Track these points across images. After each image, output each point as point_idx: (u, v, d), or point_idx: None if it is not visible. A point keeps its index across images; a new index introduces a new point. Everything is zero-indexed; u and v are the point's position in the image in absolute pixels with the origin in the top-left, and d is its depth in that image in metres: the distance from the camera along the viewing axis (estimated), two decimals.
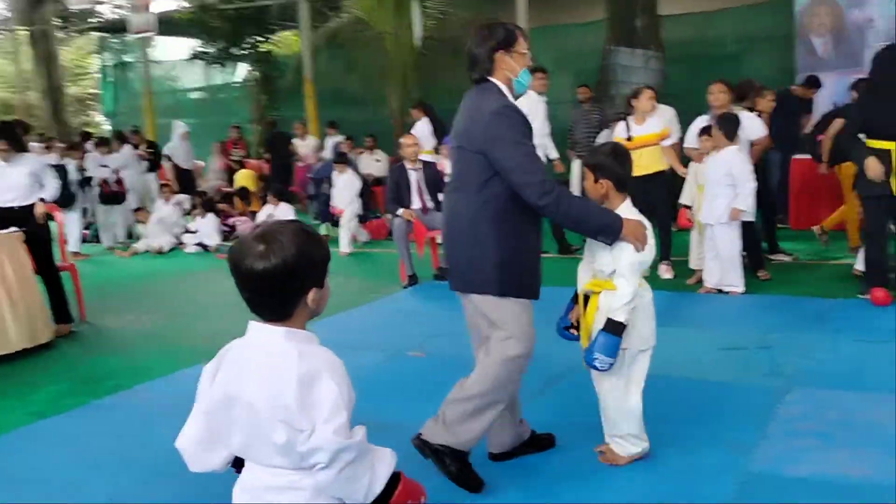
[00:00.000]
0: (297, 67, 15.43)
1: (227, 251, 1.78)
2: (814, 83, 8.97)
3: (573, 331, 3.17)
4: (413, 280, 6.94)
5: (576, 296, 3.17)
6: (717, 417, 3.54)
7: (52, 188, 6.03)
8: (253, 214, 10.84)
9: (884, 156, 5.27)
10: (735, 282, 5.91)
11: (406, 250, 6.96)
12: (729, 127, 5.81)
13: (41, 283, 5.73)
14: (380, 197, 12.18)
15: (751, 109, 6.73)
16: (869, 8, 9.98)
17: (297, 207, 11.20)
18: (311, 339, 1.73)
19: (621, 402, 3.05)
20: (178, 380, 4.64)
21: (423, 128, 9.18)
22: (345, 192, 9.25)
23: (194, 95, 18.98)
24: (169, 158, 12.66)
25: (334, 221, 9.73)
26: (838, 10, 10.20)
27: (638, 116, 6.52)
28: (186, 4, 17.08)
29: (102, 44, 19.85)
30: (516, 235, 2.95)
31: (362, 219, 9.82)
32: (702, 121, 6.48)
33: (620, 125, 6.69)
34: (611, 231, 2.88)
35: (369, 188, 11.64)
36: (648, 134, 6.44)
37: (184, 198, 10.89)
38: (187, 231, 10.15)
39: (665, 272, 6.65)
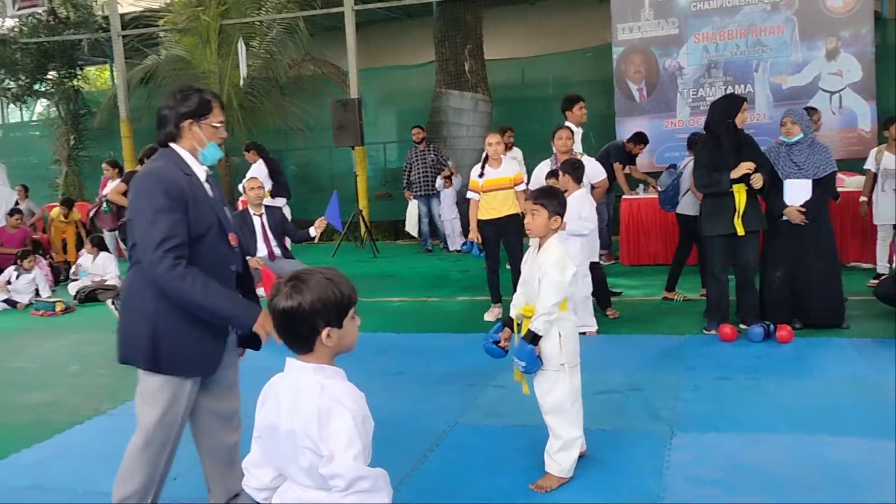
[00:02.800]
0: (108, 105, 14.46)
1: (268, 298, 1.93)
2: (641, 139, 9.52)
3: (501, 345, 3.54)
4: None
5: (507, 320, 3.58)
6: (612, 468, 3.52)
7: None
8: (67, 265, 9.99)
9: (728, 198, 5.60)
10: (589, 322, 6.02)
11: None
12: (575, 171, 5.95)
13: None
14: None
15: None
16: (680, 57, 10.75)
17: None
18: (337, 375, 1.90)
19: (573, 407, 3.40)
20: (13, 466, 4.05)
21: (260, 170, 8.79)
22: None
23: None
24: None
25: None
26: (652, 58, 10.91)
27: (494, 160, 6.53)
28: None
29: None
30: (176, 307, 2.83)
31: None
32: (546, 165, 6.63)
33: (476, 166, 6.68)
34: (239, 322, 2.83)
35: None
36: (501, 178, 6.47)
37: None
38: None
39: (493, 315, 6.73)
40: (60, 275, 10.21)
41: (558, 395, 3.36)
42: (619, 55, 11.18)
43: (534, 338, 3.29)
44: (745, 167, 5.44)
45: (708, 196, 5.75)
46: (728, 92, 10.39)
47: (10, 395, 5.41)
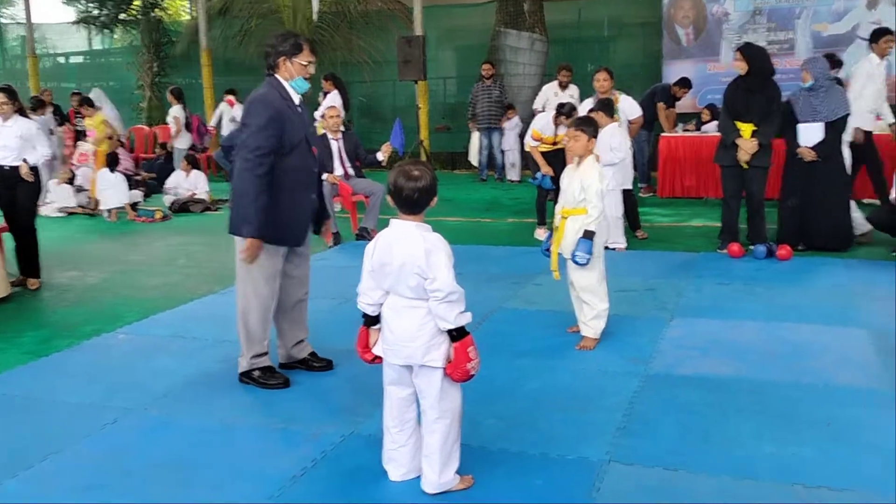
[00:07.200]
0: (189, 34, 15.55)
1: (392, 179, 2.80)
2: (686, 84, 10.26)
3: (549, 250, 4.54)
4: (338, 239, 7.67)
5: (552, 229, 4.59)
6: (621, 338, 4.54)
7: (38, 153, 6.29)
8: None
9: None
10: (619, 240, 6.99)
11: (331, 212, 7.64)
12: (606, 108, 6.84)
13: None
14: None
15: None
16: (726, 3, 11.36)
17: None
18: (429, 229, 2.84)
19: (599, 286, 4.41)
20: (154, 324, 5.25)
21: (335, 99, 9.79)
22: None
23: (76, 60, 18.64)
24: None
25: None
26: (700, 4, 11.54)
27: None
28: None
29: None
30: (284, 193, 3.87)
31: None
32: (588, 102, 7.51)
33: (546, 121, 7.54)
34: (235, 225, 3.82)
35: None
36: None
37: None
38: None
39: (542, 234, 7.68)
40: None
41: (592, 277, 4.40)
42: (669, 0, 11.82)
43: (590, 234, 4.26)
44: (746, 150, 6.33)
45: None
46: (770, 38, 11.05)
47: (137, 278, 6.64)
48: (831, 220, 6.61)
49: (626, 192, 7.17)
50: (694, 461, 3.08)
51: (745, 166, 6.41)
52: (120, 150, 11.37)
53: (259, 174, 3.78)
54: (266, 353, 4.11)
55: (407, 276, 2.79)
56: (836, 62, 8.04)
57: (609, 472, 3.01)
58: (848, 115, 6.52)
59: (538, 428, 3.45)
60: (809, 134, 6.53)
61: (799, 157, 6.55)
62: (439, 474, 2.88)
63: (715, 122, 9.96)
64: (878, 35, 7.83)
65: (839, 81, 9.86)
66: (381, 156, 8.00)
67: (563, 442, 3.29)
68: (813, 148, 6.48)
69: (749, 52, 6.48)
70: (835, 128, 6.49)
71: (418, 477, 2.95)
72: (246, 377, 4.08)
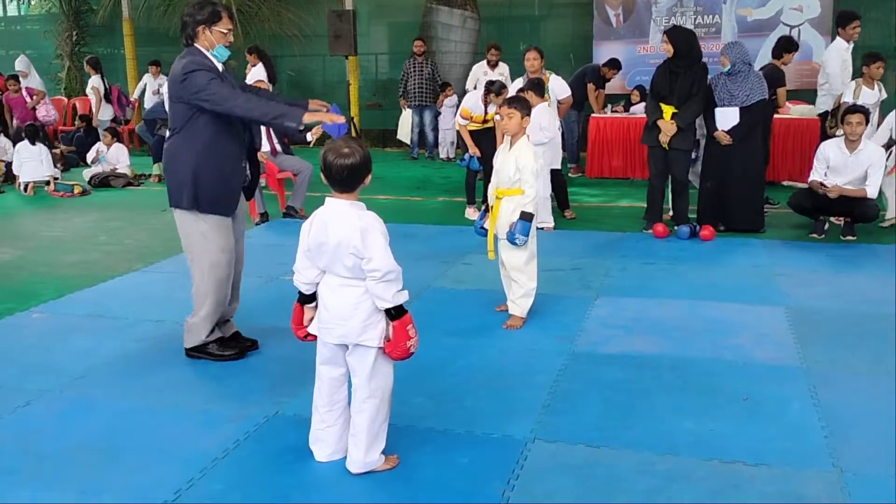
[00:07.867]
0: (110, 3, 14.97)
1: (322, 156, 2.75)
2: (615, 65, 10.36)
3: (483, 229, 4.61)
4: (265, 217, 7.53)
5: (487, 207, 4.61)
6: (548, 317, 4.58)
7: None
8: None
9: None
10: (547, 219, 7.04)
11: (259, 190, 7.50)
12: (537, 88, 6.86)
13: None
14: None
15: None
16: None
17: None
18: (363, 208, 2.80)
19: (528, 266, 4.43)
20: (71, 302, 5.08)
21: (260, 73, 9.56)
22: None
23: None
24: None
25: None
26: None
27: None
28: None
29: None
30: (214, 162, 3.80)
31: None
32: (519, 82, 7.51)
33: (476, 99, 7.46)
34: (291, 117, 3.67)
35: None
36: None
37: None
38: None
39: (472, 214, 7.67)
40: None
41: (523, 256, 4.42)
42: None
43: (527, 216, 4.28)
44: (665, 132, 6.45)
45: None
46: (697, 21, 11.26)
47: (53, 255, 6.39)
48: (746, 201, 6.77)
49: (554, 172, 7.22)
50: (617, 438, 3.13)
51: (666, 147, 6.52)
52: (46, 105, 10.93)
53: (238, 100, 3.68)
54: (218, 326, 4.05)
55: (343, 256, 2.74)
56: (792, 44, 8.20)
57: (533, 450, 3.04)
58: (764, 99, 6.68)
59: (465, 406, 3.45)
60: (726, 118, 6.66)
61: (717, 140, 6.69)
62: (365, 454, 2.86)
63: (643, 104, 10.13)
64: (846, 20, 7.95)
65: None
66: (310, 136, 7.86)
67: (489, 420, 3.30)
68: (729, 132, 6.62)
69: (675, 35, 6.58)
70: (750, 112, 6.63)
71: (344, 458, 2.93)
72: (198, 352, 4.00)
